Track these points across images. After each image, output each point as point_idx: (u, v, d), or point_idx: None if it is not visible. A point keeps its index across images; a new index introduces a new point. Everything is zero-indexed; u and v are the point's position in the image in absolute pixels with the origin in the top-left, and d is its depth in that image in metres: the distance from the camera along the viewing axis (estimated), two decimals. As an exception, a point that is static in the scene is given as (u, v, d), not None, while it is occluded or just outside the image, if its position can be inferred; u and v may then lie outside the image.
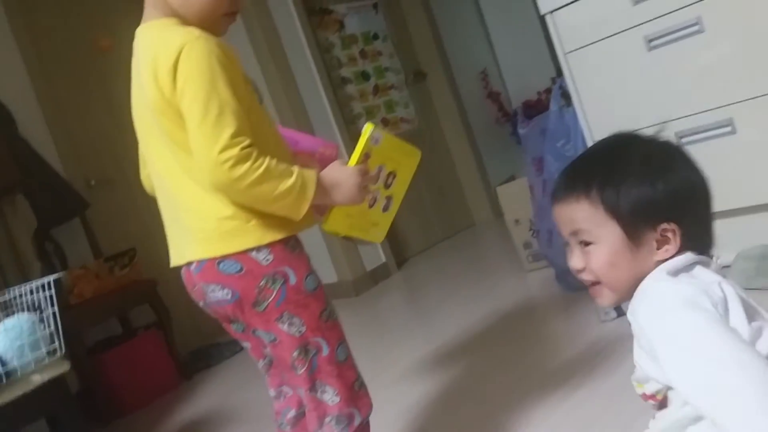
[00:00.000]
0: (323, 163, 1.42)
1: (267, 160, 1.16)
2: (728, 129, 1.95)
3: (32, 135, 3.11)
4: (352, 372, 1.32)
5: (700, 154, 2.12)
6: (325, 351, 1.28)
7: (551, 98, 2.37)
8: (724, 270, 1.60)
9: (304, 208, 1.20)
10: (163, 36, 1.22)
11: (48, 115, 3.30)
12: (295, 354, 1.27)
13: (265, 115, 1.36)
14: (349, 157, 1.32)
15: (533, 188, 2.57)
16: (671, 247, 0.95)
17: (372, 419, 1.35)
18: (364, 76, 4.17)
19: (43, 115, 3.27)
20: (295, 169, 1.20)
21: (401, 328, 3.02)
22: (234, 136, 1.14)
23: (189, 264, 1.29)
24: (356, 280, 3.70)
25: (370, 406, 1.34)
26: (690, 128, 2.02)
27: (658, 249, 0.95)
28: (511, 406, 1.81)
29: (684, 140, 2.04)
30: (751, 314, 0.90)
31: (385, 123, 4.17)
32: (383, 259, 3.88)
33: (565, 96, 2.34)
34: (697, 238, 0.97)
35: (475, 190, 4.45)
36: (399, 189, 1.43)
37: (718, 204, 2.18)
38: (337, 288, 3.66)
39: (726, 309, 0.88)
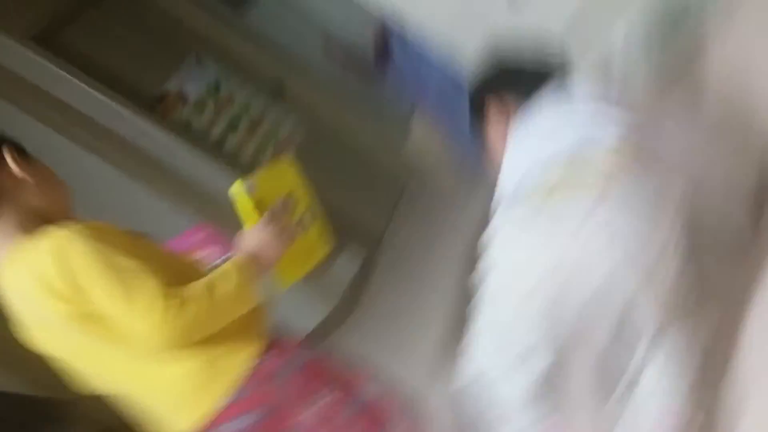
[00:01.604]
0: (211, 240, 1.43)
1: (202, 288, 1.16)
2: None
3: None
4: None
5: None
6: None
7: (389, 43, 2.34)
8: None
9: (255, 290, 1.21)
10: (30, 257, 1.16)
11: None
12: None
13: (157, 248, 1.36)
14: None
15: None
16: (503, 114, 1.24)
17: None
18: (233, 122, 4.08)
19: None
20: (226, 266, 1.20)
21: (416, 308, 3.01)
22: (159, 293, 1.13)
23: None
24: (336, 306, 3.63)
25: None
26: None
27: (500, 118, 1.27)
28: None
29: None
30: None
31: (280, 148, 4.10)
32: (358, 263, 3.79)
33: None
34: (528, 90, 1.20)
35: (388, 150, 4.36)
36: (304, 195, 1.39)
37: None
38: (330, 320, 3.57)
39: None
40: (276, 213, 1.27)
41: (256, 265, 1.21)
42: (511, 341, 1.04)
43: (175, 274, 1.21)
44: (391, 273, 3.74)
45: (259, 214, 1.25)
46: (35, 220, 1.22)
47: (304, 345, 1.36)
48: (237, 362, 1.21)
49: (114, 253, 1.12)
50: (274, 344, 1.28)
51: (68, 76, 3.48)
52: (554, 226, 1.02)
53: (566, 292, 0.99)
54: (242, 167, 3.86)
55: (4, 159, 1.26)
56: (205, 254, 1.52)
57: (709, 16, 1.66)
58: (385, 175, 4.39)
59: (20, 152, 1.30)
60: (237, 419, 1.22)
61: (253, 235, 1.25)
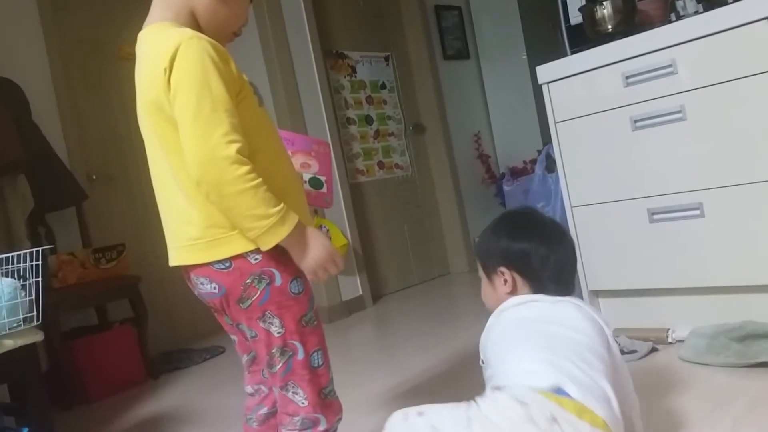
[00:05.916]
0: (319, 158, 1.41)
1: (260, 180, 1.11)
2: (697, 212, 1.97)
3: (44, 123, 3.08)
4: (325, 379, 1.28)
5: (670, 231, 2.13)
6: (300, 355, 1.24)
7: (537, 162, 2.39)
8: (678, 344, 1.78)
9: (272, 241, 1.14)
10: (160, 37, 1.19)
11: (62, 108, 3.29)
12: (274, 351, 1.23)
13: (266, 116, 1.32)
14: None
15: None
16: (509, 284, 1.38)
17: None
18: (368, 120, 4.21)
19: (58, 107, 3.27)
20: (283, 205, 1.14)
21: (367, 359, 2.96)
22: (226, 134, 1.10)
23: None
24: (331, 307, 3.65)
25: (337, 415, 1.29)
26: (662, 207, 2.04)
27: (504, 285, 1.39)
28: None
29: (656, 217, 2.05)
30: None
31: (380, 166, 4.19)
32: (360, 291, 3.84)
33: (550, 162, 2.35)
34: (536, 285, 1.37)
35: (455, 241, 4.45)
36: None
37: (679, 280, 2.17)
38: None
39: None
40: (339, 261, 1.22)
41: (294, 238, 1.16)
42: None
43: (261, 140, 1.21)
44: (375, 320, 3.66)
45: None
46: (190, 19, 1.23)
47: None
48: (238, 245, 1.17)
49: (216, 78, 1.12)
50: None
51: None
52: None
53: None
54: (344, 152, 3.95)
55: None
56: (304, 161, 1.51)
57: None
58: (436, 256, 4.44)
59: None
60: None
61: (321, 241, 1.20)
